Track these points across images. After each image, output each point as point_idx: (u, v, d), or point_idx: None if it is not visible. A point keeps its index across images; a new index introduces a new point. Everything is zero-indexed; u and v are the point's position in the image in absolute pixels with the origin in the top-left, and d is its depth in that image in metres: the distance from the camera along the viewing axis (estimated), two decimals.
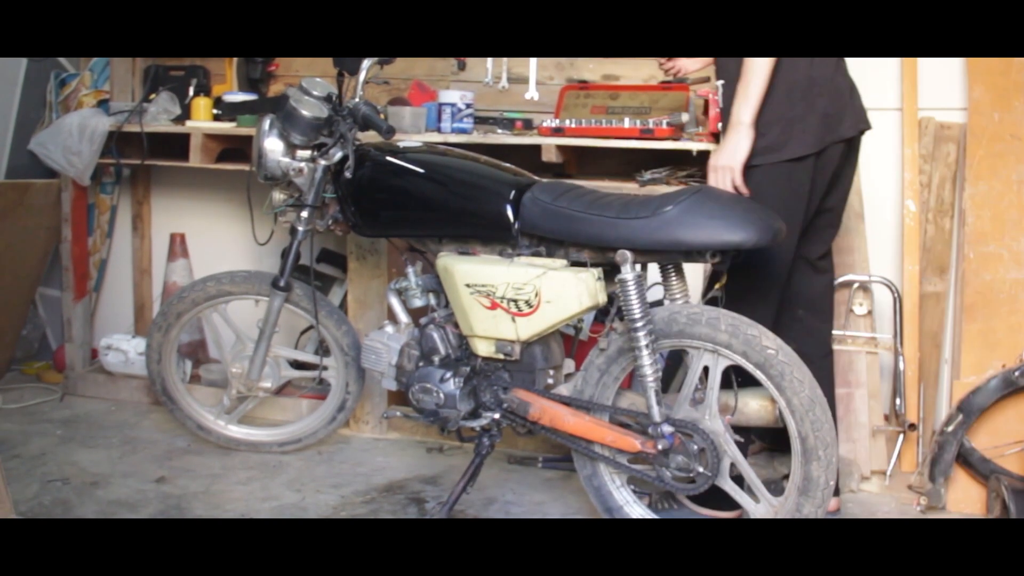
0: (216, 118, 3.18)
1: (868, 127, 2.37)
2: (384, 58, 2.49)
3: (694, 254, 2.10)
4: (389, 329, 2.49)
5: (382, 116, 2.44)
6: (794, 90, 2.23)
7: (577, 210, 2.13)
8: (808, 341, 2.40)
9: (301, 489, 2.64)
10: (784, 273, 2.34)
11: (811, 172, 2.28)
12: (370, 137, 2.49)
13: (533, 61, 3.00)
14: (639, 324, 2.06)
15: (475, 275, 2.23)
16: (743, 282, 2.25)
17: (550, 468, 2.77)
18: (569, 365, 2.40)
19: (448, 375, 2.31)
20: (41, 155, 3.21)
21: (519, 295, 2.18)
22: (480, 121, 3.01)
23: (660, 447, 2.11)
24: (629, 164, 2.83)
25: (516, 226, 2.21)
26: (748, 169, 2.25)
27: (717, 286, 2.19)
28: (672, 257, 2.15)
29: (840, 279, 2.86)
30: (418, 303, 2.46)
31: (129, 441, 2.97)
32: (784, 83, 2.23)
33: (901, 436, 2.78)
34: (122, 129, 3.15)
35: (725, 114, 2.31)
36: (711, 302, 2.19)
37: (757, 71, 2.18)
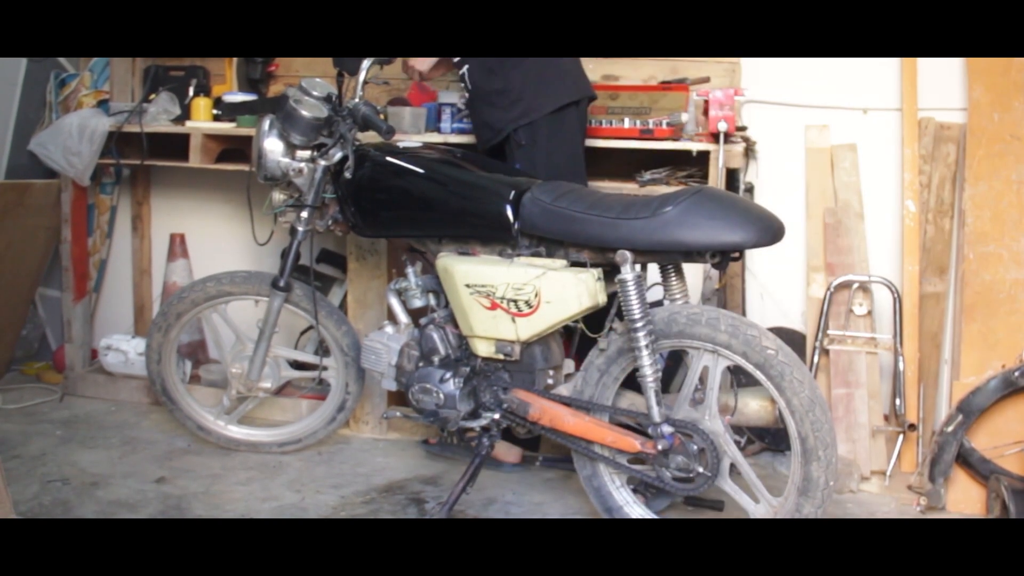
0: (216, 118, 3.18)
1: (595, 96, 2.67)
2: (384, 58, 2.49)
3: (694, 254, 2.10)
4: (389, 329, 2.49)
5: (382, 116, 2.44)
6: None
7: (577, 211, 2.12)
8: None
9: (301, 489, 2.64)
10: None
11: (575, 121, 2.55)
12: (370, 137, 2.49)
13: None
14: (639, 324, 2.06)
15: (475, 275, 2.23)
16: None
17: (549, 467, 2.77)
18: (569, 365, 2.40)
19: (448, 375, 2.31)
20: (41, 155, 3.21)
21: (519, 295, 2.18)
22: None
23: (660, 447, 2.11)
24: (629, 164, 2.83)
25: (516, 226, 2.21)
26: (521, 128, 2.48)
27: (718, 286, 2.19)
28: (672, 257, 2.15)
29: (840, 279, 2.87)
30: (418, 303, 2.46)
31: (129, 441, 2.97)
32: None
33: (901, 436, 2.78)
34: (122, 129, 3.15)
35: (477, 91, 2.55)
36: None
37: None
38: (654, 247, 2.07)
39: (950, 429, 2.52)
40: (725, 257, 2.08)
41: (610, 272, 2.17)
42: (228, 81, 3.35)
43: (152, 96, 3.26)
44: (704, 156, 2.66)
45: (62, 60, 3.57)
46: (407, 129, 2.86)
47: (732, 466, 2.12)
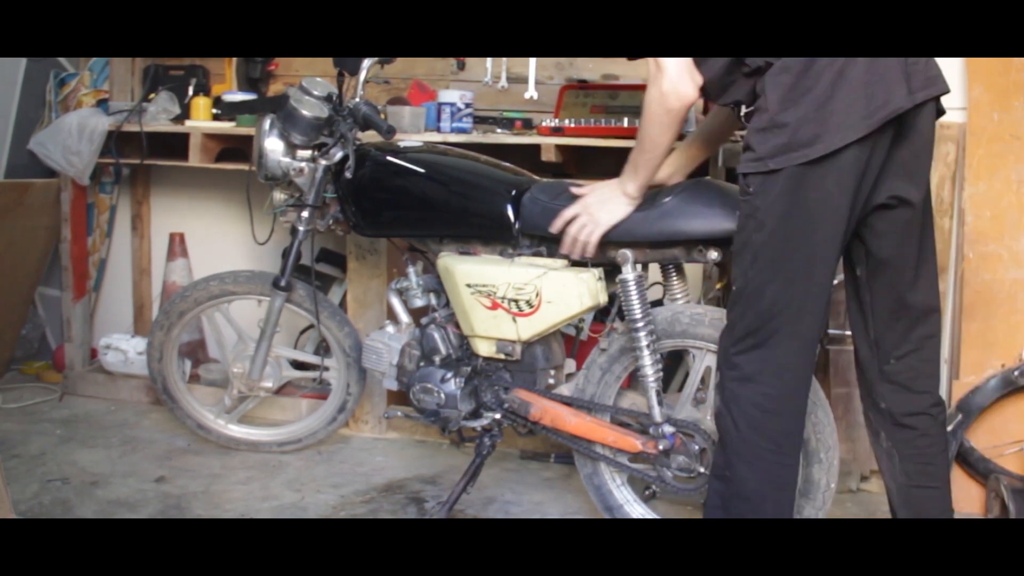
0: (215, 118, 3.18)
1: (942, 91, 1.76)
2: (385, 58, 2.49)
3: (695, 252, 2.09)
4: (390, 329, 2.49)
5: (382, 116, 2.44)
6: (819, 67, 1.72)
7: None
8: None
9: (301, 489, 2.64)
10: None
11: (859, 169, 1.67)
12: (370, 137, 2.49)
13: (533, 61, 2.99)
14: (640, 324, 2.06)
15: (476, 275, 2.23)
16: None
17: (561, 463, 2.78)
18: (570, 365, 2.40)
19: (449, 375, 2.32)
20: (41, 155, 3.20)
21: (520, 295, 2.18)
22: (479, 121, 3.01)
23: (661, 447, 2.11)
24: None
25: (517, 226, 2.21)
26: (755, 175, 1.70)
27: (719, 286, 2.19)
28: (673, 254, 2.15)
29: (839, 278, 2.86)
30: (419, 303, 2.46)
31: (129, 441, 2.97)
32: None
33: None
34: (121, 129, 3.15)
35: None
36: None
37: (653, 139, 1.73)
38: (654, 238, 2.06)
39: (949, 429, 2.52)
40: (726, 250, 2.07)
41: (611, 271, 2.17)
42: (228, 80, 3.34)
43: (152, 95, 3.25)
44: None
45: (62, 60, 3.57)
46: (406, 128, 2.86)
47: None
